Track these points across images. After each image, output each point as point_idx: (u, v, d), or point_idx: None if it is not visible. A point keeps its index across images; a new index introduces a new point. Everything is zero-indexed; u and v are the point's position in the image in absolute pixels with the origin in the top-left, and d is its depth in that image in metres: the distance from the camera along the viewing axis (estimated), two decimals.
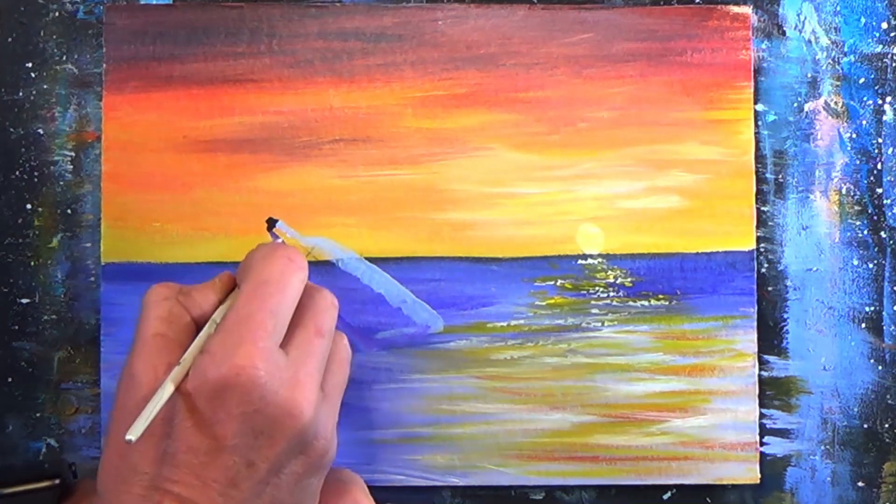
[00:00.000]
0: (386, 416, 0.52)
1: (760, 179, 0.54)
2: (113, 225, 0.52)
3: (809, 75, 0.54)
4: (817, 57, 0.54)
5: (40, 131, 0.53)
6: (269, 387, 0.41)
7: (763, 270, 0.54)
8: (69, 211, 0.53)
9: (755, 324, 0.53)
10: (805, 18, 0.54)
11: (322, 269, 0.52)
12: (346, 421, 0.52)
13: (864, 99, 0.54)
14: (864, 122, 0.54)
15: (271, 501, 0.42)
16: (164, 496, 0.41)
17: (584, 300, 0.53)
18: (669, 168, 0.53)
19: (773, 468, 0.53)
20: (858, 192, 0.54)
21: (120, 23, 0.53)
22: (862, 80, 0.54)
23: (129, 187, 0.52)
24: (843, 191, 0.54)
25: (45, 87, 0.53)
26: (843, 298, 0.54)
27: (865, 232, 0.54)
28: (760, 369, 0.53)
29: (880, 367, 0.54)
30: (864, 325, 0.54)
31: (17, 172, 0.53)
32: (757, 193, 0.53)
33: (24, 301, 0.53)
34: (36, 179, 0.53)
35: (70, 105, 0.53)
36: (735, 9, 0.53)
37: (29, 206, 0.53)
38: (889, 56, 0.54)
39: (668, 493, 0.53)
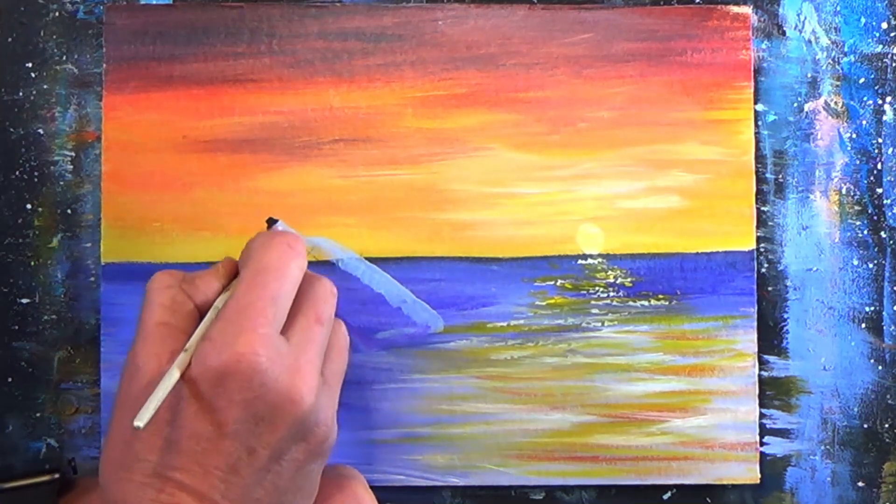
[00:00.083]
0: (386, 416, 0.52)
1: (760, 179, 0.54)
2: (113, 225, 0.52)
3: (809, 75, 0.54)
4: (817, 57, 0.54)
5: (40, 131, 0.53)
6: (269, 373, 0.41)
7: (763, 270, 0.54)
8: (69, 211, 0.53)
9: (755, 324, 0.53)
10: (805, 18, 0.54)
11: (322, 269, 0.52)
12: (346, 421, 0.52)
13: (864, 99, 0.54)
14: (864, 122, 0.54)
15: (272, 488, 0.42)
16: (165, 483, 0.41)
17: (584, 300, 0.53)
18: (669, 168, 0.53)
19: (773, 468, 0.54)
20: (858, 192, 0.54)
21: (120, 23, 0.53)
22: (862, 80, 0.54)
23: (129, 187, 0.52)
24: (843, 191, 0.54)
25: (45, 87, 0.53)
26: (843, 298, 0.54)
27: (865, 232, 0.54)
28: (760, 369, 0.53)
29: (880, 367, 0.54)
30: (864, 325, 0.54)
31: (17, 172, 0.53)
32: (757, 193, 0.53)
33: (24, 301, 0.53)
34: (36, 179, 0.53)
35: (70, 105, 0.53)
36: (735, 9, 0.53)
37: (29, 206, 0.53)
38: (889, 56, 0.54)
39: (668, 493, 0.53)
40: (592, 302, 0.53)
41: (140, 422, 0.40)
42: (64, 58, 0.53)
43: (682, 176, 0.53)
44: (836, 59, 0.54)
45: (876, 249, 0.54)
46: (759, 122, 0.54)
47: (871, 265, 0.54)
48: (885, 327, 0.54)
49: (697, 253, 0.53)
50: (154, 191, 0.52)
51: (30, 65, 0.53)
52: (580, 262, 0.53)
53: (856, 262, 0.54)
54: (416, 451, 0.52)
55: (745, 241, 0.53)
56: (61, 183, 0.53)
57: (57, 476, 0.49)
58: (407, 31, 0.53)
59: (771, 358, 0.54)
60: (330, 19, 0.53)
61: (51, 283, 0.53)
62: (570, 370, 0.53)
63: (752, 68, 0.53)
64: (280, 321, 0.43)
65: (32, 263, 0.53)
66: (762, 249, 0.54)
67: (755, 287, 0.53)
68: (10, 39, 0.53)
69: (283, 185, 0.53)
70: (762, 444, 0.53)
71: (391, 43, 0.53)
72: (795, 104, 0.54)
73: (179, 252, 0.52)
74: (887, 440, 0.54)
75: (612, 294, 0.53)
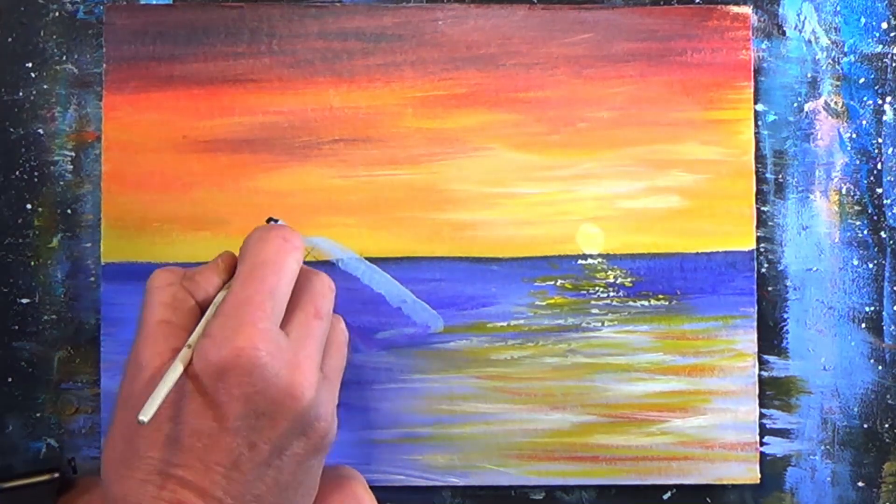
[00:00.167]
0: (386, 416, 0.52)
1: (760, 179, 0.54)
2: (113, 225, 0.52)
3: (809, 75, 0.54)
4: (817, 57, 0.54)
5: (40, 131, 0.53)
6: (269, 368, 0.41)
7: (763, 270, 0.54)
8: (69, 211, 0.53)
9: (755, 324, 0.53)
10: (805, 18, 0.54)
11: (322, 269, 0.52)
12: (346, 421, 0.52)
13: (864, 99, 0.54)
14: (864, 122, 0.54)
15: (273, 483, 0.42)
16: (167, 480, 0.41)
17: (584, 300, 0.53)
18: (669, 168, 0.53)
19: (773, 468, 0.54)
20: (858, 192, 0.54)
21: (120, 23, 0.53)
22: (862, 80, 0.54)
23: (129, 187, 0.52)
24: (843, 191, 0.54)
25: (45, 87, 0.53)
26: (843, 298, 0.54)
27: (865, 232, 0.54)
28: (760, 369, 0.53)
29: (880, 367, 0.54)
30: (864, 325, 0.54)
31: (17, 172, 0.53)
32: (757, 193, 0.53)
33: (24, 301, 0.53)
34: (36, 179, 0.53)
35: (70, 105, 0.53)
36: (735, 9, 0.53)
37: (29, 206, 0.53)
38: (889, 56, 0.54)
39: (668, 493, 0.53)
40: (592, 302, 0.53)
41: (145, 416, 0.40)
42: (64, 58, 0.53)
43: (682, 176, 0.53)
44: (836, 59, 0.54)
45: (876, 249, 0.54)
46: (759, 122, 0.54)
47: (871, 265, 0.54)
48: (885, 327, 0.54)
49: (697, 253, 0.53)
50: (154, 191, 0.52)
51: (30, 65, 0.53)
52: (580, 262, 0.53)
53: (856, 262, 0.54)
54: (416, 451, 0.52)
55: (745, 241, 0.53)
56: (61, 183, 0.53)
57: (56, 475, 0.49)
58: (407, 31, 0.53)
59: (771, 358, 0.54)
60: (330, 19, 0.53)
61: (51, 283, 0.53)
62: (570, 370, 0.53)
63: (752, 68, 0.53)
64: (279, 315, 0.43)
65: (32, 263, 0.53)
66: (762, 249, 0.54)
67: (755, 287, 0.53)
68: (10, 39, 0.53)
69: (283, 185, 0.53)
70: (762, 444, 0.53)
71: (391, 43, 0.53)
72: (795, 104, 0.54)
73: (179, 252, 0.52)
74: (887, 440, 0.54)
75: (612, 294, 0.53)
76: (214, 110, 0.53)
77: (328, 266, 0.52)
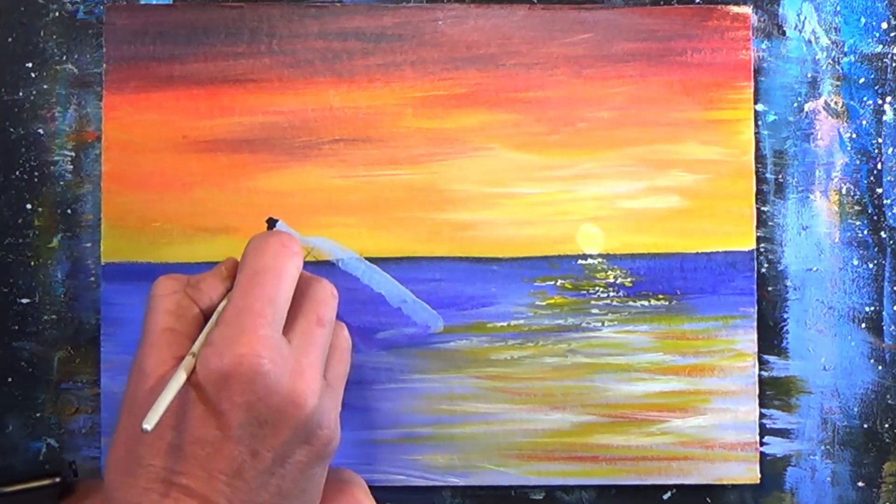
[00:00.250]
0: (386, 416, 0.52)
1: (760, 179, 0.54)
2: (113, 225, 0.52)
3: (809, 75, 0.54)
4: (817, 57, 0.54)
5: (40, 131, 0.53)
6: (272, 375, 0.41)
7: (763, 270, 0.54)
8: (69, 211, 0.53)
9: (755, 324, 0.53)
10: (805, 18, 0.54)
11: (322, 269, 0.52)
12: (346, 421, 0.51)
13: (864, 99, 0.54)
14: (864, 122, 0.54)
15: (277, 491, 0.42)
16: (170, 488, 0.41)
17: (584, 300, 0.53)
18: (669, 168, 0.53)
19: (773, 468, 0.54)
20: (858, 192, 0.54)
21: (120, 23, 0.53)
22: (862, 80, 0.54)
23: (129, 187, 0.52)
24: (843, 191, 0.54)
25: (45, 87, 0.53)
26: (843, 298, 0.54)
27: (865, 232, 0.54)
28: (760, 369, 0.53)
29: (880, 367, 0.54)
30: (864, 325, 0.54)
31: (17, 172, 0.53)
32: (757, 193, 0.53)
33: (24, 301, 0.53)
34: (36, 179, 0.53)
35: (70, 105, 0.53)
36: (735, 9, 0.53)
37: (29, 206, 0.53)
38: (889, 56, 0.54)
39: (668, 493, 0.53)
40: (592, 302, 0.53)
41: (148, 424, 0.40)
42: (64, 58, 0.53)
43: (682, 176, 0.53)
44: (836, 59, 0.54)
45: (876, 249, 0.54)
46: (759, 122, 0.54)
47: (871, 265, 0.54)
48: (885, 327, 0.54)
49: (697, 253, 0.53)
50: (154, 191, 0.52)
51: (30, 65, 0.53)
52: (580, 262, 0.53)
53: (856, 262, 0.54)
54: (416, 451, 0.52)
55: (745, 241, 0.53)
56: (61, 183, 0.53)
57: (58, 480, 0.49)
58: (407, 31, 0.53)
59: (771, 358, 0.54)
60: (330, 19, 0.53)
61: (51, 283, 0.53)
62: (570, 370, 0.53)
63: (752, 68, 0.53)
64: (280, 322, 0.43)
65: (32, 263, 0.53)
66: (762, 249, 0.54)
67: (755, 287, 0.53)
68: (10, 39, 0.53)
69: (283, 185, 0.53)
70: (762, 444, 0.53)
71: (391, 43, 0.53)
72: (795, 104, 0.54)
73: (179, 252, 0.52)
74: (887, 440, 0.54)
75: (612, 294, 0.53)
76: (214, 110, 0.53)
77: (328, 266, 0.52)
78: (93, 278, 0.53)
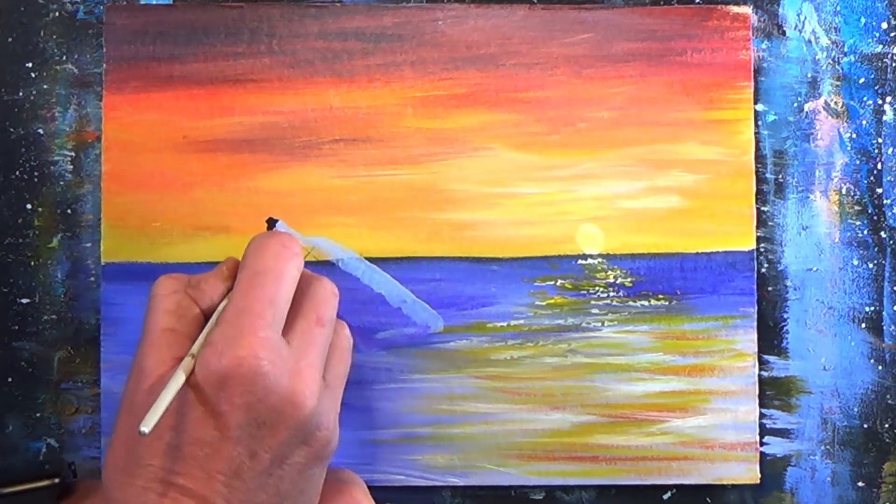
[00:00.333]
0: (386, 416, 0.52)
1: (760, 179, 0.54)
2: (113, 225, 0.52)
3: (809, 75, 0.54)
4: (817, 57, 0.54)
5: (40, 131, 0.53)
6: (271, 376, 0.41)
7: (763, 270, 0.54)
8: (69, 211, 0.53)
9: (755, 324, 0.53)
10: (805, 18, 0.54)
11: (322, 270, 0.52)
12: (346, 421, 0.52)
13: (864, 99, 0.54)
14: (864, 122, 0.54)
15: (275, 492, 0.42)
16: (169, 488, 0.41)
17: (584, 300, 0.53)
18: (669, 168, 0.53)
19: (773, 468, 0.53)
20: (858, 192, 0.54)
21: (120, 23, 0.53)
22: (862, 80, 0.54)
23: (129, 187, 0.52)
24: (843, 191, 0.54)
25: (45, 87, 0.53)
26: (843, 298, 0.54)
27: (865, 232, 0.54)
28: (760, 369, 0.53)
29: (880, 367, 0.54)
30: (864, 325, 0.54)
31: (17, 172, 0.53)
32: (757, 193, 0.53)
33: (24, 301, 0.53)
34: (36, 179, 0.53)
35: (70, 105, 0.53)
36: (735, 9, 0.53)
37: (29, 206, 0.53)
38: (889, 56, 0.54)
39: (668, 493, 0.53)
40: (592, 302, 0.53)
41: (146, 427, 0.40)
42: (64, 58, 0.53)
43: (682, 176, 0.53)
44: (836, 59, 0.54)
45: (876, 249, 0.54)
46: (759, 122, 0.54)
47: (871, 265, 0.54)
48: (885, 327, 0.54)
49: (697, 253, 0.53)
50: (154, 191, 0.52)
51: (30, 65, 0.53)
52: (580, 262, 0.53)
53: (856, 262, 0.54)
54: (416, 451, 0.52)
55: (745, 241, 0.53)
56: (61, 183, 0.53)
57: (57, 481, 0.49)
58: (407, 31, 0.53)
59: (771, 358, 0.54)
60: (330, 19, 0.53)
61: (51, 283, 0.53)
62: (570, 370, 0.53)
63: (752, 68, 0.53)
64: (280, 323, 0.43)
65: (32, 263, 0.53)
66: (762, 249, 0.54)
67: (755, 287, 0.53)
68: (10, 39, 0.53)
69: (283, 185, 0.53)
70: (762, 444, 0.53)
71: (391, 43, 0.53)
72: (795, 104, 0.54)
73: (179, 252, 0.52)
74: (887, 440, 0.54)
75: (612, 294, 0.53)
76: (214, 110, 0.53)
77: (328, 266, 0.52)
78: (93, 278, 0.53)
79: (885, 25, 0.54)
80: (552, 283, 0.53)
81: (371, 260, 0.52)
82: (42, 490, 0.49)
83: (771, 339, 0.54)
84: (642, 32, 0.53)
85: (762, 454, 0.53)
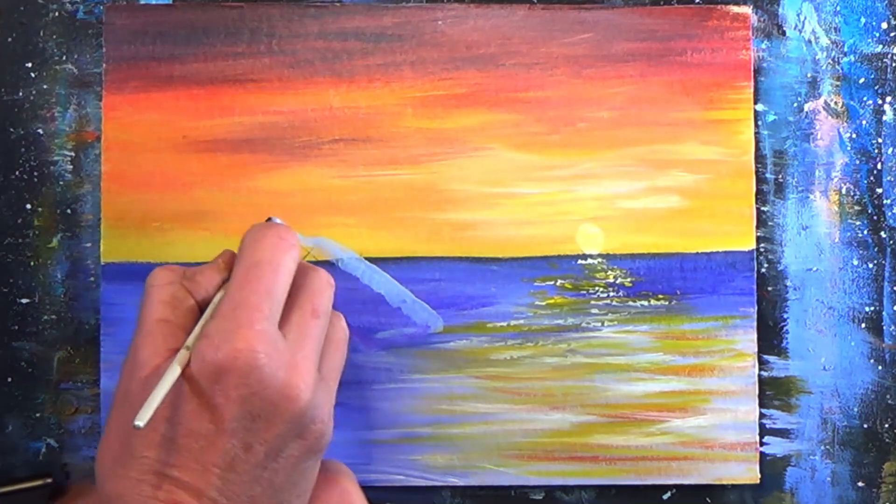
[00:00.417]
0: (386, 416, 0.52)
1: (760, 179, 0.54)
2: (113, 225, 0.52)
3: (809, 75, 0.54)
4: (817, 57, 0.54)
5: (40, 131, 0.53)
6: (267, 369, 0.41)
7: (763, 270, 0.54)
8: (69, 211, 0.53)
9: (755, 324, 0.53)
10: (805, 18, 0.54)
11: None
12: (346, 421, 0.52)
13: (864, 99, 0.54)
14: (864, 122, 0.54)
15: (269, 485, 0.42)
16: (163, 480, 0.41)
17: (584, 300, 0.53)
18: (669, 168, 0.53)
19: (773, 468, 0.53)
20: (858, 192, 0.54)
21: (120, 23, 0.53)
22: (862, 80, 0.54)
23: (129, 187, 0.52)
24: (843, 191, 0.54)
25: (45, 87, 0.53)
26: (843, 298, 0.54)
27: (865, 232, 0.54)
28: (760, 369, 0.53)
29: (880, 367, 0.54)
30: (864, 325, 0.54)
31: (17, 172, 0.53)
32: (757, 193, 0.53)
33: (24, 301, 0.53)
34: (36, 179, 0.53)
35: (70, 105, 0.53)
36: (735, 9, 0.53)
37: (29, 206, 0.53)
38: (889, 56, 0.54)
39: (668, 493, 0.53)
40: (592, 302, 0.53)
41: (140, 421, 0.40)
42: (64, 58, 0.53)
43: (682, 176, 0.53)
44: (836, 59, 0.54)
45: (876, 249, 0.54)
46: (759, 122, 0.54)
47: (871, 265, 0.54)
48: (885, 327, 0.54)
49: (697, 253, 0.53)
50: (154, 191, 0.52)
51: (30, 65, 0.53)
52: (580, 262, 0.53)
53: (856, 262, 0.54)
54: (415, 451, 0.52)
55: (745, 241, 0.53)
56: (61, 183, 0.53)
57: (49, 481, 0.49)
58: (407, 31, 0.53)
59: (771, 358, 0.54)
60: (330, 19, 0.53)
61: (51, 283, 0.53)
62: (569, 370, 0.53)
63: (752, 68, 0.53)
64: (276, 315, 0.43)
65: (32, 263, 0.53)
66: (762, 249, 0.54)
67: (755, 287, 0.53)
68: (10, 39, 0.53)
69: (283, 185, 0.53)
70: (762, 444, 0.53)
71: (391, 43, 0.53)
72: (795, 104, 0.54)
73: (179, 252, 0.52)
74: (887, 440, 0.54)
75: (611, 294, 0.53)
76: (214, 110, 0.53)
77: (328, 266, 0.52)
78: (92, 278, 0.53)
79: (885, 25, 0.54)
80: (552, 283, 0.53)
81: (371, 260, 0.52)
82: (34, 490, 0.49)
83: (771, 339, 0.54)
84: (642, 32, 0.53)
85: (762, 454, 0.53)
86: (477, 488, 0.53)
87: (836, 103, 0.54)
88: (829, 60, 0.54)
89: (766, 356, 0.53)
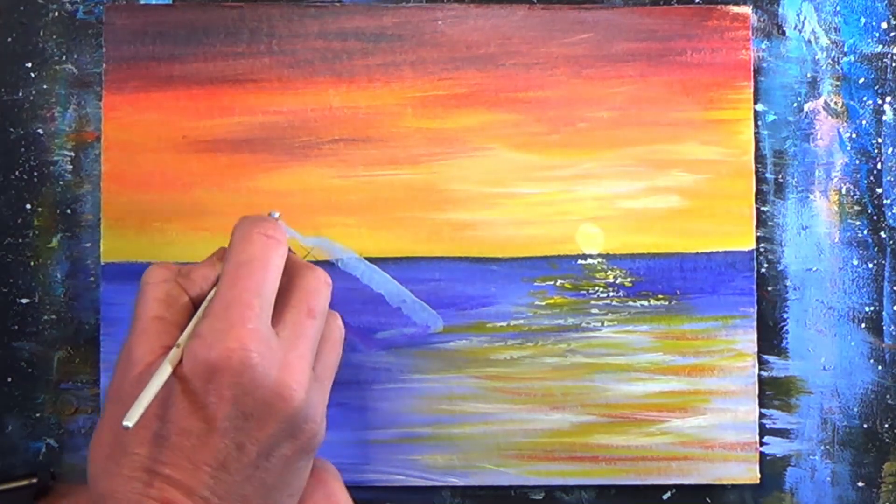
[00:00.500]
0: (386, 416, 0.52)
1: (760, 179, 0.54)
2: (113, 225, 0.52)
3: (809, 75, 0.54)
4: (817, 57, 0.54)
5: (40, 131, 0.53)
6: (259, 369, 0.41)
7: (763, 270, 0.54)
8: (69, 211, 0.53)
9: (755, 324, 0.53)
10: (805, 18, 0.54)
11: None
12: (345, 421, 0.52)
13: (864, 99, 0.54)
14: (863, 122, 0.54)
15: (260, 484, 0.42)
16: (154, 478, 0.41)
17: (584, 300, 0.53)
18: (669, 168, 0.53)
19: (772, 468, 0.53)
20: (858, 192, 0.54)
21: (120, 23, 0.53)
22: (862, 80, 0.54)
23: (129, 187, 0.52)
24: (843, 191, 0.54)
25: (45, 87, 0.53)
26: (843, 298, 0.54)
27: (865, 232, 0.54)
28: (760, 369, 0.53)
29: (880, 367, 0.54)
30: (864, 325, 0.54)
31: (17, 172, 0.53)
32: (757, 193, 0.53)
33: (24, 301, 0.53)
34: (36, 179, 0.53)
35: (70, 105, 0.53)
36: (735, 9, 0.53)
37: (29, 206, 0.53)
38: (889, 56, 0.54)
39: (668, 493, 0.53)
40: (592, 302, 0.53)
41: (129, 421, 0.39)
42: (64, 58, 0.53)
43: (682, 176, 0.53)
44: (836, 59, 0.54)
45: (876, 249, 0.54)
46: (759, 122, 0.54)
47: (871, 265, 0.54)
48: (884, 327, 0.54)
49: (697, 253, 0.53)
50: (154, 191, 0.52)
51: (30, 65, 0.53)
52: (580, 262, 0.53)
53: (856, 262, 0.54)
54: (415, 451, 0.52)
55: (745, 241, 0.53)
56: (61, 183, 0.53)
57: (34, 481, 0.49)
58: (407, 31, 0.53)
59: (771, 358, 0.54)
60: (330, 19, 0.53)
61: (51, 283, 0.53)
62: (569, 370, 0.53)
63: (752, 68, 0.53)
64: (268, 313, 0.43)
65: (32, 263, 0.53)
66: (762, 249, 0.54)
67: (755, 287, 0.53)
68: (10, 39, 0.53)
69: (283, 185, 0.53)
70: (762, 444, 0.53)
71: (391, 43, 0.53)
72: (795, 104, 0.54)
73: (179, 252, 0.52)
74: (887, 440, 0.54)
75: (611, 294, 0.53)
76: (214, 110, 0.53)
77: (328, 266, 0.52)
78: (92, 278, 0.53)
79: (884, 25, 0.54)
80: (552, 283, 0.53)
81: (371, 260, 0.52)
82: (19, 490, 0.48)
83: (771, 339, 0.54)
84: (642, 32, 0.53)
85: (762, 454, 0.53)
86: (477, 488, 0.53)
87: (836, 103, 0.54)
88: (829, 60, 0.54)
89: (766, 356, 0.53)
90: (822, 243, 0.54)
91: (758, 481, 0.53)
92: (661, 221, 0.53)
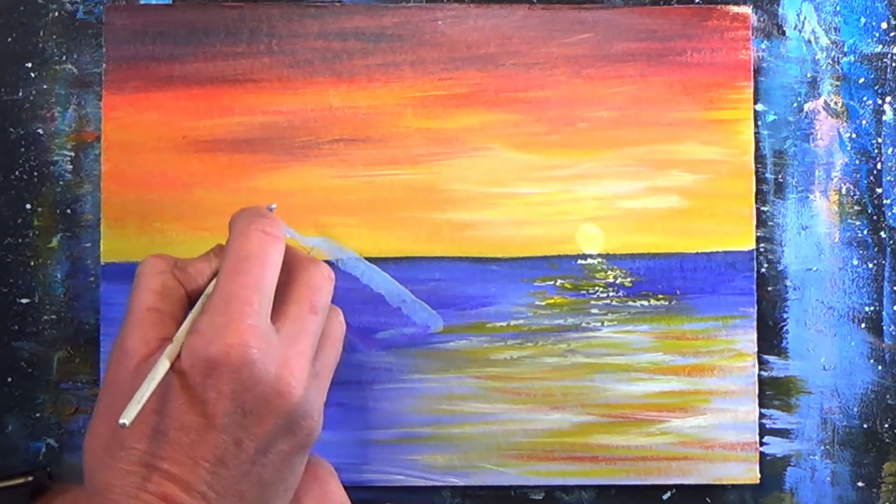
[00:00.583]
0: (386, 416, 0.52)
1: (760, 179, 0.54)
2: (113, 225, 0.52)
3: (809, 75, 0.54)
4: (817, 57, 0.54)
5: (40, 131, 0.53)
6: (259, 365, 0.41)
7: (763, 270, 0.54)
8: (69, 211, 0.53)
9: (755, 324, 0.53)
10: (805, 18, 0.54)
11: None
12: (345, 421, 0.52)
13: (864, 99, 0.54)
14: (863, 122, 0.54)
15: (258, 480, 0.42)
16: (152, 472, 0.41)
17: (584, 300, 0.53)
18: (669, 168, 0.53)
19: (772, 468, 0.53)
20: (858, 192, 0.54)
21: (120, 23, 0.53)
22: (862, 80, 0.54)
23: (128, 187, 0.52)
24: (843, 191, 0.54)
25: (45, 87, 0.53)
26: (843, 298, 0.54)
27: (865, 232, 0.54)
28: (760, 369, 0.53)
29: (880, 367, 0.54)
30: (864, 325, 0.54)
31: (17, 172, 0.53)
32: (757, 193, 0.53)
33: (24, 301, 0.53)
34: (36, 179, 0.53)
35: (70, 105, 0.53)
36: (735, 9, 0.53)
37: (29, 206, 0.53)
38: (889, 56, 0.54)
39: (668, 493, 0.53)
40: (592, 302, 0.53)
41: (126, 419, 0.39)
42: (64, 58, 0.53)
43: (682, 176, 0.53)
44: (836, 59, 0.54)
45: (876, 249, 0.54)
46: (759, 122, 0.54)
47: (870, 265, 0.54)
48: (884, 327, 0.54)
49: (697, 253, 0.53)
50: (154, 191, 0.52)
51: (30, 65, 0.53)
52: (580, 262, 0.53)
53: (856, 262, 0.54)
54: (415, 451, 0.52)
55: (745, 241, 0.53)
56: (61, 183, 0.53)
57: (30, 479, 0.48)
58: (407, 31, 0.53)
59: (771, 358, 0.54)
60: (330, 19, 0.53)
61: (51, 283, 0.53)
62: (569, 370, 0.53)
63: (752, 68, 0.53)
64: (267, 308, 0.43)
65: (32, 263, 0.53)
66: (762, 249, 0.54)
67: (755, 287, 0.53)
68: (10, 39, 0.53)
69: (283, 185, 0.53)
70: (762, 444, 0.53)
71: (391, 43, 0.53)
72: (795, 104, 0.54)
73: (179, 252, 0.52)
74: (887, 440, 0.54)
75: (611, 294, 0.53)
76: (214, 110, 0.53)
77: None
78: (92, 278, 0.53)
79: (884, 25, 0.54)
80: (552, 283, 0.53)
81: (371, 260, 0.52)
82: (15, 488, 0.48)
83: (771, 339, 0.54)
84: (642, 32, 0.53)
85: (762, 454, 0.53)
86: (477, 488, 0.53)
87: (835, 103, 0.54)
88: (829, 60, 0.54)
89: (765, 356, 0.53)
90: (822, 243, 0.54)
91: (758, 481, 0.53)
92: (661, 221, 0.53)
